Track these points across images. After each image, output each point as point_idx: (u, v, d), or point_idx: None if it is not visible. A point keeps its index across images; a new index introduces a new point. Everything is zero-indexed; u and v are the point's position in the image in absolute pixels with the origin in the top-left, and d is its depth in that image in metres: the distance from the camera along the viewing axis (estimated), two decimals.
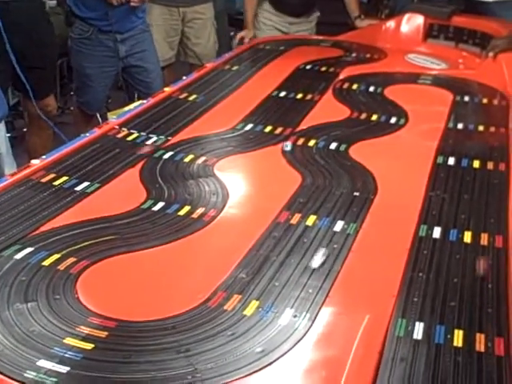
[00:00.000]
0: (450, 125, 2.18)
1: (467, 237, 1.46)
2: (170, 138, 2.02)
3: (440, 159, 1.88)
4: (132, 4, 2.86)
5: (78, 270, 1.28)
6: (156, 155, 1.87)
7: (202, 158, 1.86)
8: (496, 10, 3.54)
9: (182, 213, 1.53)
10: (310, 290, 1.24)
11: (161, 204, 1.58)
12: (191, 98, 2.40)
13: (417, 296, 1.23)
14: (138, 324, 1.13)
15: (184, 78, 2.64)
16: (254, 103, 2.37)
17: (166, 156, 1.87)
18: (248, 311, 1.17)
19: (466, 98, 2.47)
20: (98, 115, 3.48)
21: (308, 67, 2.87)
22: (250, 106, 2.34)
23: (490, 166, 1.83)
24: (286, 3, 3.66)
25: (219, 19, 3.95)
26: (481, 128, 2.16)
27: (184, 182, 1.71)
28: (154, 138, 2.00)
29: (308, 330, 1.12)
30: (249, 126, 2.14)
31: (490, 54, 2.75)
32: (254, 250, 1.38)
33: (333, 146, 1.98)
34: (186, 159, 1.85)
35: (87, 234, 1.41)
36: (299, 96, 2.47)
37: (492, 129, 2.16)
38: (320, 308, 1.19)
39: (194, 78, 2.64)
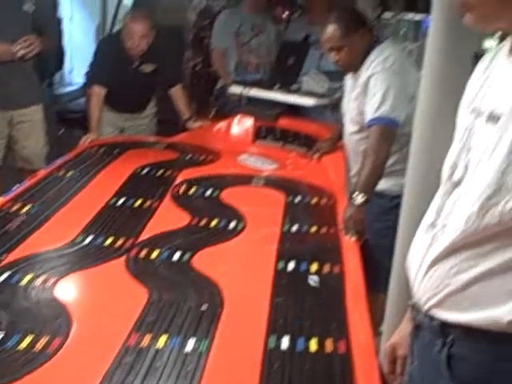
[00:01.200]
0: (286, 227, 2.29)
1: (313, 344, 1.52)
2: (3, 256, 1.90)
3: (280, 265, 1.95)
4: None
5: None
6: None
7: (41, 278, 1.77)
8: (313, 113, 3.86)
9: (23, 345, 1.44)
10: None
11: None
12: (24, 210, 2.30)
13: None
14: None
15: (15, 187, 2.53)
16: (93, 213, 2.32)
17: (1, 279, 1.76)
18: None
19: (298, 199, 2.61)
20: None
21: (144, 172, 2.89)
22: (88, 215, 2.29)
23: (327, 268, 1.94)
24: (119, 103, 3.70)
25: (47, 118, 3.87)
26: (313, 229, 2.29)
27: (23, 308, 1.61)
28: None
29: None
30: (89, 239, 2.09)
31: (315, 156, 2.96)
32: (105, 381, 1.32)
33: (176, 256, 1.99)
34: (24, 281, 1.75)
35: None
36: (138, 203, 2.46)
37: (324, 229, 2.30)
38: None
39: (27, 187, 2.54)
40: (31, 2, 3.26)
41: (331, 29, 2.47)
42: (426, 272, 1.13)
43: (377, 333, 2.14)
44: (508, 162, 0.98)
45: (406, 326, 1.29)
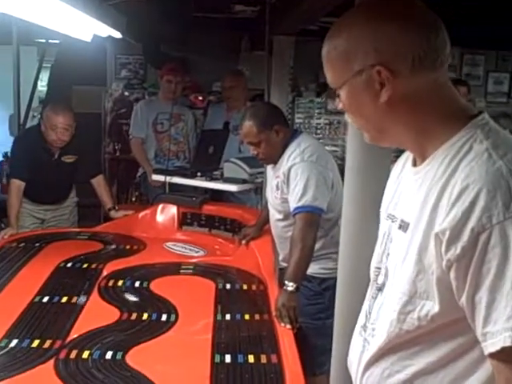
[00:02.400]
0: (219, 317, 2.27)
1: None
2: None
3: (217, 358, 1.92)
4: None
5: None
6: None
7: None
8: (237, 195, 3.92)
9: None
10: None
11: None
12: None
13: None
14: None
15: None
16: (16, 313, 2.22)
17: None
18: None
19: (228, 286, 2.61)
20: None
21: (69, 265, 2.81)
22: (11, 316, 2.19)
23: (264, 359, 1.92)
24: (40, 195, 3.64)
25: None
26: (247, 317, 2.28)
27: None
28: None
29: None
30: (14, 342, 1.99)
31: (243, 242, 2.99)
32: None
33: (109, 354, 1.92)
34: None
35: None
36: (64, 299, 2.38)
37: (257, 317, 2.29)
38: None
39: None
40: None
41: (247, 125, 2.56)
42: (362, 375, 1.16)
43: None
44: (417, 270, 1.03)
45: None
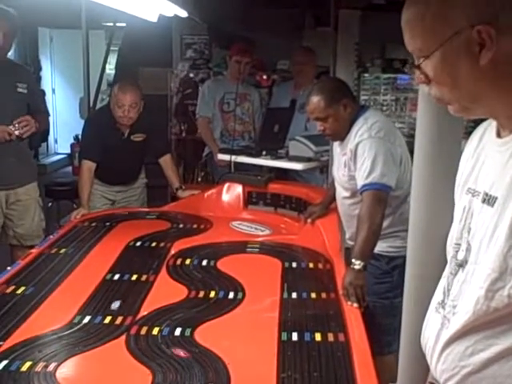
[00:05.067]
0: (285, 295, 2.27)
1: None
2: (1, 342, 1.86)
3: (284, 336, 1.92)
4: None
5: None
6: None
7: (42, 364, 1.73)
8: (302, 174, 3.90)
9: None
10: None
11: None
12: (19, 292, 2.27)
13: None
14: None
15: (8, 268, 2.50)
16: (89, 290, 2.29)
17: (0, 366, 1.71)
18: None
19: (294, 264, 2.60)
20: None
21: (138, 244, 2.87)
22: (84, 293, 2.26)
23: (331, 337, 1.91)
24: (111, 176, 3.71)
25: None
26: (313, 295, 2.27)
27: None
28: None
29: None
30: (87, 319, 2.05)
31: (309, 220, 2.97)
32: None
33: (177, 331, 1.95)
34: (24, 367, 1.71)
35: None
36: (134, 277, 2.44)
37: (324, 295, 2.28)
38: None
39: (20, 268, 2.51)
40: (24, 83, 3.33)
41: (315, 100, 2.52)
42: (441, 353, 1.12)
43: None
44: (509, 246, 0.98)
45: None
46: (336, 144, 2.70)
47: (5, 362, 1.73)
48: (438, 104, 1.12)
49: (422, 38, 1.04)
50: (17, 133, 3.24)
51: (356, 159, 2.45)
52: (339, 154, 2.62)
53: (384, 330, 2.44)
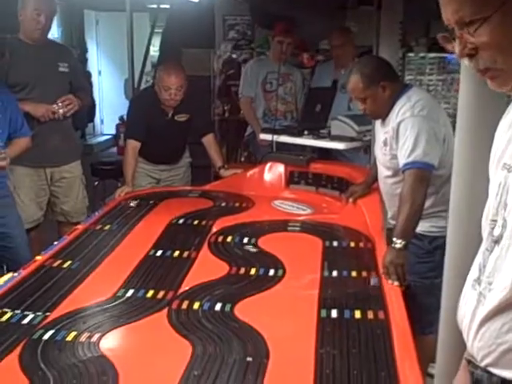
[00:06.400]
0: (326, 273, 2.27)
1: None
2: (48, 313, 1.92)
3: (323, 312, 1.93)
4: None
5: None
6: (35, 336, 1.77)
7: (86, 334, 1.78)
8: (346, 154, 3.88)
9: None
10: None
11: None
12: (65, 265, 2.33)
13: None
14: None
15: (55, 243, 2.56)
16: (132, 265, 2.34)
17: (46, 336, 1.77)
18: None
19: (335, 243, 2.60)
20: None
21: (180, 221, 2.91)
22: (128, 268, 2.30)
23: (371, 315, 1.91)
24: (155, 155, 3.76)
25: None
26: (354, 274, 2.27)
27: (70, 365, 1.61)
28: (31, 316, 1.90)
29: None
30: (130, 292, 2.09)
31: (351, 200, 2.96)
32: None
33: (218, 306, 1.98)
34: (69, 337, 1.76)
35: None
36: (176, 254, 2.48)
37: (364, 274, 2.27)
38: None
39: (66, 243, 2.58)
40: (66, 62, 3.39)
41: (354, 80, 2.50)
42: (477, 330, 1.11)
43: (425, 374, 2.10)
44: None
45: (463, 375, 1.26)
46: (378, 122, 2.67)
47: (51, 332, 1.79)
48: (481, 77, 1.09)
49: (477, 1, 0.99)
50: (60, 111, 3.31)
51: (398, 138, 2.42)
52: (381, 132, 2.59)
53: (425, 310, 2.42)
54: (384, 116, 2.53)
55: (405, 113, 2.41)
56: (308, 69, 5.19)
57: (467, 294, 1.18)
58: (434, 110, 2.47)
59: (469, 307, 1.15)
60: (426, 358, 2.13)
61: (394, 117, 2.45)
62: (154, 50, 8.08)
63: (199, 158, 4.02)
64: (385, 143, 2.53)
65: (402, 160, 2.38)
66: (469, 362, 1.19)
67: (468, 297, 1.17)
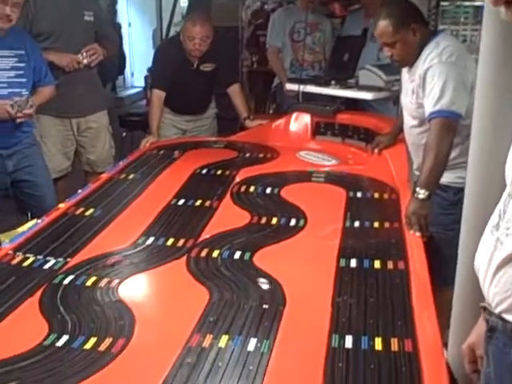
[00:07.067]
0: (348, 223, 2.25)
1: (378, 344, 1.48)
2: (69, 259, 1.94)
3: (343, 262, 1.92)
4: (18, 120, 2.79)
5: None
6: (56, 281, 1.79)
7: (105, 280, 1.80)
8: (374, 105, 3.80)
9: (88, 346, 1.46)
10: None
11: (65, 338, 1.50)
12: (88, 213, 2.35)
13: None
14: None
15: (79, 191, 2.58)
16: (154, 214, 2.34)
17: (67, 281, 1.79)
18: None
19: (359, 194, 2.56)
20: None
21: (204, 171, 2.90)
22: (149, 217, 2.31)
23: (390, 265, 1.89)
24: (181, 105, 3.74)
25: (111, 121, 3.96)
26: (376, 224, 2.24)
27: (88, 309, 1.64)
28: (52, 261, 1.92)
29: None
30: (150, 240, 2.11)
31: (376, 150, 2.90)
32: (167, 382, 1.32)
33: (237, 255, 1.98)
34: (88, 282, 1.78)
35: None
36: (198, 203, 2.47)
37: (387, 224, 2.24)
38: None
39: (90, 191, 2.60)
40: (91, 11, 3.36)
41: (382, 25, 2.42)
42: (494, 276, 1.09)
43: (446, 326, 2.08)
44: None
45: (482, 325, 1.24)
46: (404, 71, 2.59)
47: (71, 277, 1.81)
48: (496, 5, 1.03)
49: None
50: (85, 61, 3.29)
51: (425, 85, 2.34)
52: (407, 80, 2.52)
53: (448, 262, 2.38)
54: (412, 63, 2.45)
55: (432, 59, 2.33)
56: (339, 18, 5.05)
57: (485, 240, 1.15)
58: (463, 57, 2.38)
59: (486, 253, 1.13)
60: (446, 310, 2.10)
61: (422, 64, 2.38)
62: (184, 1, 7.97)
63: (226, 110, 3.98)
64: (411, 91, 2.45)
65: (428, 108, 2.31)
66: (484, 309, 1.17)
67: (485, 243, 1.15)
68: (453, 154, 2.33)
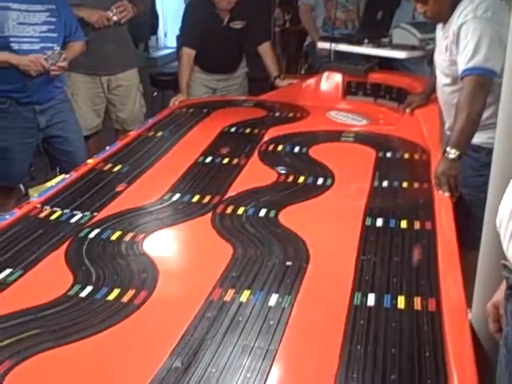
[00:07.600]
0: (376, 183, 2.22)
1: (401, 302, 1.46)
2: (95, 213, 1.96)
3: (368, 221, 1.89)
4: (52, 73, 2.79)
5: (0, 372, 1.20)
6: (81, 234, 1.81)
7: (130, 235, 1.81)
8: (408, 65, 3.71)
9: (111, 297, 1.48)
10: (249, 375, 1.20)
11: (89, 289, 1.52)
12: (116, 169, 2.36)
13: (356, 372, 1.22)
14: None
15: (107, 148, 2.59)
16: (181, 171, 2.34)
17: (92, 235, 1.81)
18: None
19: (389, 154, 2.52)
20: (22, 185, 3.35)
21: (232, 130, 2.88)
22: (176, 174, 2.31)
23: (417, 225, 1.86)
24: (211, 64, 3.70)
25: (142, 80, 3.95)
26: (405, 185, 2.20)
27: (112, 262, 1.65)
28: (79, 215, 1.95)
29: None
30: (176, 196, 2.11)
31: (408, 110, 2.84)
32: (188, 334, 1.33)
33: (262, 212, 1.97)
34: (113, 237, 1.80)
35: (9, 330, 1.33)
36: (225, 161, 2.46)
37: (416, 185, 2.21)
38: None
39: (118, 148, 2.60)
40: None
41: None
42: None
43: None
44: None
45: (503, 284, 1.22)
46: (439, 28, 2.51)
47: (97, 231, 1.83)
48: None
49: None
50: (115, 18, 3.27)
51: (459, 42, 2.26)
52: (441, 37, 2.44)
53: (479, 224, 2.34)
54: (446, 19, 2.37)
55: (467, 15, 2.25)
56: None
57: (508, 195, 1.12)
58: (499, 13, 2.29)
59: (507, 208, 1.09)
60: (473, 272, 2.07)
61: (456, 20, 2.29)
62: None
63: (257, 71, 3.93)
64: (445, 49, 2.38)
65: (462, 65, 2.24)
66: (505, 266, 1.14)
67: (508, 197, 1.11)
68: (485, 114, 2.26)
